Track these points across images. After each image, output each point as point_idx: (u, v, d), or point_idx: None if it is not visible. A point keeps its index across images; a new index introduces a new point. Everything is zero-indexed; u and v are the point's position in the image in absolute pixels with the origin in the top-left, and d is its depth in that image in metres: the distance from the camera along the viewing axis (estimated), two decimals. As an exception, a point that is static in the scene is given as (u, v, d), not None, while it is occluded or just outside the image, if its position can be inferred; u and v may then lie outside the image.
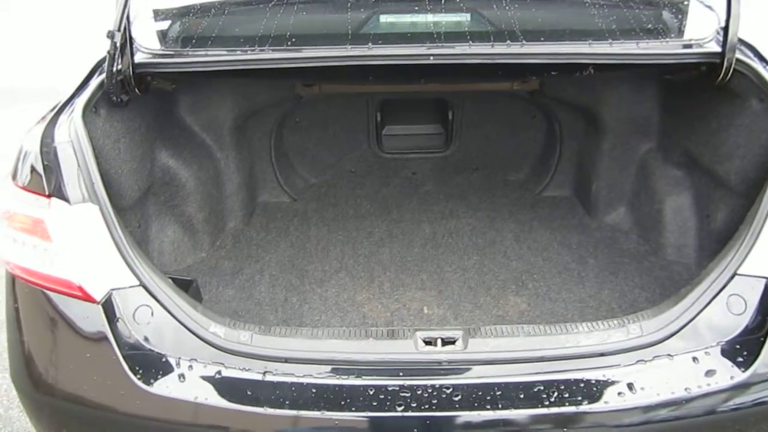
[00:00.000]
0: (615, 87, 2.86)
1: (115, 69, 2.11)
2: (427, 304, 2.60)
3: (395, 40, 2.13)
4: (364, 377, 1.72)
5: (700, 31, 2.26)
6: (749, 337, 1.75)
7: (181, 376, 1.74)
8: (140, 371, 1.74)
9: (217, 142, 2.97)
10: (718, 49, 2.14)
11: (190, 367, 1.76)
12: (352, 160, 3.51)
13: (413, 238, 3.05)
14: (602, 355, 1.75)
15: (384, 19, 2.32)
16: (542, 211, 3.24)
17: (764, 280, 1.79)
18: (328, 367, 1.74)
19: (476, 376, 1.72)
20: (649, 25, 2.23)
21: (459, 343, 1.78)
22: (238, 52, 2.13)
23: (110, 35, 2.04)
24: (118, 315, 1.79)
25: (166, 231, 2.78)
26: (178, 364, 1.77)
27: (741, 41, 2.22)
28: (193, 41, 2.25)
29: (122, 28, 2.04)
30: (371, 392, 1.69)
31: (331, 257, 2.91)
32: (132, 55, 2.14)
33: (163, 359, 1.78)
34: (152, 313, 1.81)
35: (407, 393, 1.69)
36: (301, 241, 3.05)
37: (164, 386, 1.72)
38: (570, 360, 1.73)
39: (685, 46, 2.18)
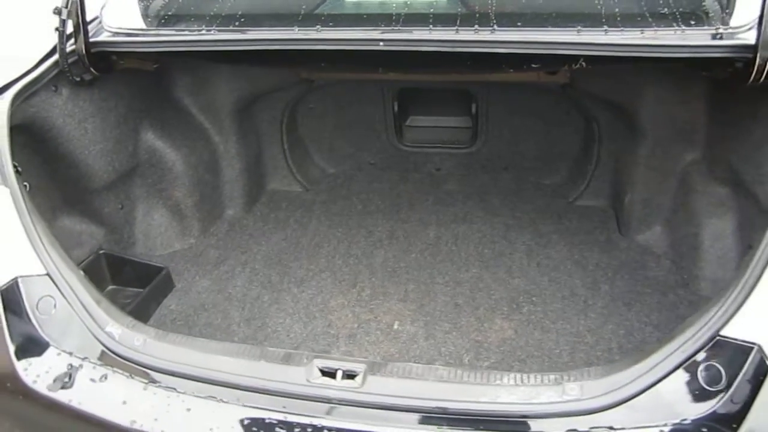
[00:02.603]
0: (654, 83, 2.39)
1: (68, 48, 2.04)
2: (400, 319, 2.34)
3: (349, 23, 1.87)
4: (244, 404, 1.53)
5: (736, 16, 1.79)
6: (719, 423, 1.34)
7: (69, 375, 1.65)
8: (30, 365, 1.67)
9: (216, 125, 2.87)
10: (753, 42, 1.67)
11: (80, 366, 1.66)
12: (371, 151, 3.27)
13: (414, 241, 2.78)
14: (524, 417, 1.42)
15: (348, -3, 2.07)
16: (569, 222, 2.83)
17: (755, 348, 1.36)
18: (211, 387, 1.57)
19: (366, 421, 1.47)
20: (664, 9, 1.79)
21: (358, 378, 1.53)
22: (186, 33, 1.98)
23: (57, 11, 1.97)
24: (19, 303, 1.72)
25: (153, 214, 2.72)
26: (69, 362, 1.67)
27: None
28: (150, 20, 2.14)
29: (69, 4, 1.96)
30: (246, 422, 1.50)
31: (321, 255, 2.72)
32: (86, 34, 2.06)
33: (58, 354, 1.69)
34: (55, 305, 1.73)
35: (283, 430, 1.48)
36: (296, 234, 2.88)
37: (44, 383, 1.63)
38: (479, 419, 1.43)
39: (710, 37, 1.73)
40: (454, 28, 1.75)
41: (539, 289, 2.43)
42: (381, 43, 1.74)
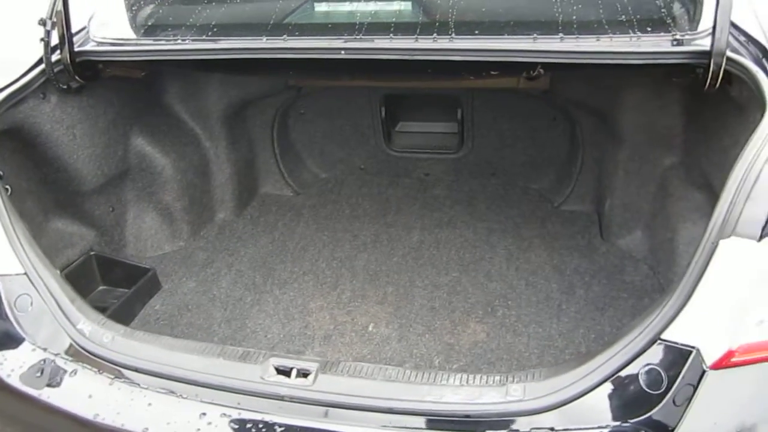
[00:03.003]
0: (632, 88, 2.40)
1: (53, 57, 2.13)
2: (376, 321, 2.39)
3: (315, 32, 1.93)
4: (201, 399, 1.59)
5: (702, 21, 1.81)
6: (658, 426, 1.36)
7: (41, 370, 1.72)
8: (5, 359, 1.75)
9: (206, 131, 2.95)
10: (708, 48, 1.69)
11: (53, 362, 1.73)
12: (361, 156, 3.32)
13: (397, 245, 2.82)
14: (467, 417, 1.45)
15: (318, 7, 2.11)
16: (552, 227, 2.84)
17: (694, 352, 1.38)
18: (171, 383, 1.63)
19: (315, 418, 1.51)
20: (622, 16, 1.81)
21: (311, 377, 1.57)
22: (162, 42, 2.06)
23: (42, 22, 2.06)
24: None
25: (144, 217, 2.80)
26: (43, 357, 1.75)
27: (749, 39, 1.74)
28: (134, 30, 2.22)
29: (53, 14, 2.05)
30: (201, 417, 1.55)
31: (306, 258, 2.78)
32: (71, 44, 2.14)
33: (33, 350, 1.77)
34: (31, 303, 1.81)
35: (236, 426, 1.53)
36: (283, 237, 2.94)
37: (16, 377, 1.71)
38: (423, 417, 1.46)
39: (669, 44, 1.75)
40: (414, 36, 1.80)
41: (515, 293, 2.46)
42: (342, 52, 1.80)
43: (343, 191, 3.28)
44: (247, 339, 2.32)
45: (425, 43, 1.78)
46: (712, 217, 1.40)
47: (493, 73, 1.88)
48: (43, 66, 2.17)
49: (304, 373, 1.58)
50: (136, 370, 1.66)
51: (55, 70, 2.17)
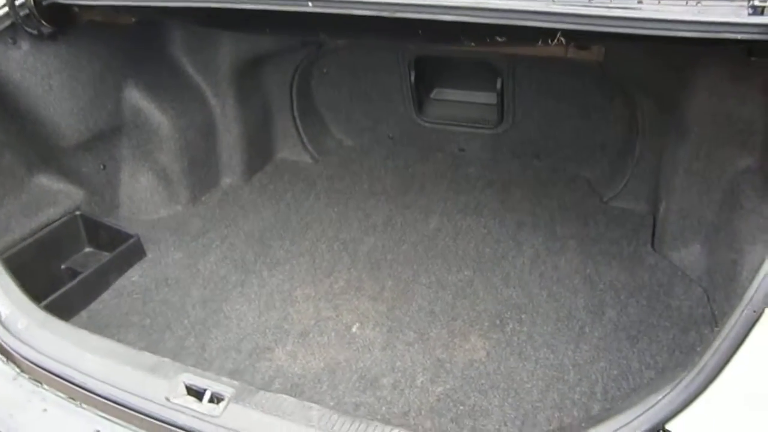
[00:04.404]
0: (705, 68, 1.89)
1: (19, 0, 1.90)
2: (363, 321, 2.07)
3: None
4: (99, 413, 1.35)
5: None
6: None
7: (-47, 353, 1.54)
8: None
9: (213, 87, 2.67)
10: None
11: (-32, 344, 1.55)
12: (389, 124, 2.95)
13: (410, 231, 2.47)
14: None
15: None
16: (594, 226, 2.39)
17: (708, 455, 0.97)
18: (73, 388, 1.39)
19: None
20: (681, -31, 1.32)
21: (222, 404, 1.29)
22: None
23: None
24: None
25: (139, 177, 2.59)
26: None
27: None
28: None
29: None
30: (91, 436, 1.32)
31: (306, 237, 2.48)
32: None
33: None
34: None
35: (126, 453, 1.28)
36: (288, 210, 2.66)
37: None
38: None
39: (746, 11, 1.26)
40: None
41: (532, 305, 2.06)
42: (310, 4, 1.44)
43: (366, 162, 2.93)
44: (218, 326, 2.07)
45: None
46: (760, 270, 0.97)
47: (499, 39, 1.47)
48: (7, 9, 1.95)
49: (217, 398, 1.30)
50: (41, 367, 1.44)
51: (21, 13, 1.93)
